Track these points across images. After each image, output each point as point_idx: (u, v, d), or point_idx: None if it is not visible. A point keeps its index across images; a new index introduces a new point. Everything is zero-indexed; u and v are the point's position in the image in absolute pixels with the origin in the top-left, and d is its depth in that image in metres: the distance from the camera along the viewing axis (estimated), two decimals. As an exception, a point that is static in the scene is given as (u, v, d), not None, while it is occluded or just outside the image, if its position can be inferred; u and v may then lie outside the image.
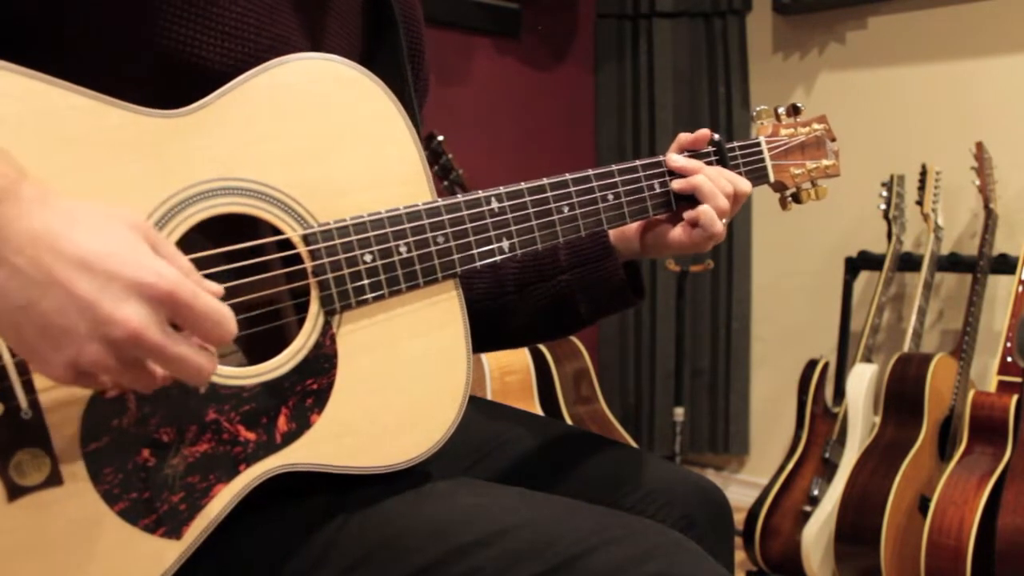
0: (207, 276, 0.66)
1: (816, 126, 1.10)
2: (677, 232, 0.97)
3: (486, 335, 0.97)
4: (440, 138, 2.26)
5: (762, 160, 1.05)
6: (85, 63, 0.72)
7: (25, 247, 0.55)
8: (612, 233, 1.00)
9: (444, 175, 2.27)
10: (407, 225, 0.79)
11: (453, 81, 2.64)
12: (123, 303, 0.55)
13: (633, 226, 1.00)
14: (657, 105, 2.87)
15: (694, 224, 0.96)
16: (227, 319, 0.59)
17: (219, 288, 0.61)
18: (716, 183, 0.96)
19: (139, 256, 0.57)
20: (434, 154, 2.25)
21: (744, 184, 0.98)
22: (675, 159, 0.97)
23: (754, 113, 1.09)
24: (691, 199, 0.97)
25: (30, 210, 0.56)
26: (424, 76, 1.03)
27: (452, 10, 2.59)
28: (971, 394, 2.06)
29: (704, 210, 0.95)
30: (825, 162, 1.10)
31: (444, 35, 2.58)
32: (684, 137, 1.00)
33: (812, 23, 2.74)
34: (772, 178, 1.06)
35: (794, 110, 1.09)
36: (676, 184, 0.96)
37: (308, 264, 0.75)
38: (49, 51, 0.72)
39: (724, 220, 0.97)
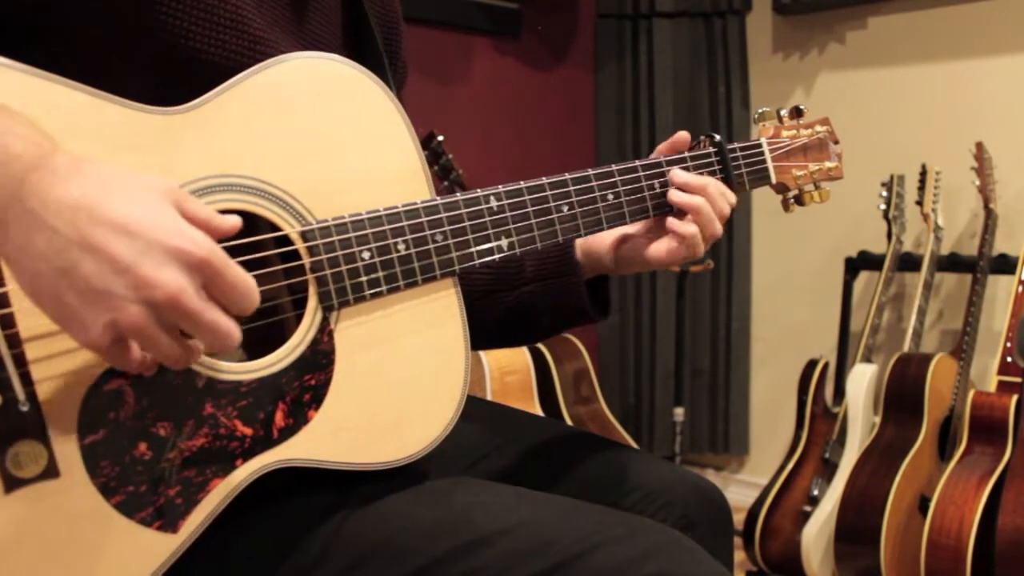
0: None
1: (819, 128, 1.10)
2: (656, 249, 0.96)
3: None
4: (440, 138, 2.26)
5: (763, 162, 1.05)
6: (84, 59, 0.72)
7: (63, 211, 0.56)
8: (580, 249, 0.99)
9: (444, 175, 2.27)
10: (405, 223, 0.79)
11: (453, 81, 2.64)
12: (163, 267, 0.57)
13: (606, 241, 0.99)
14: (657, 105, 2.87)
15: (680, 240, 0.94)
16: (253, 289, 0.61)
17: (235, 219, 0.63)
18: (715, 206, 0.95)
19: (175, 223, 0.58)
20: (434, 154, 2.25)
21: (732, 199, 0.98)
22: (679, 174, 0.96)
23: (756, 115, 1.09)
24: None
25: (66, 177, 0.57)
26: (402, 63, 1.03)
27: (452, 10, 2.59)
28: (971, 394, 2.06)
29: (692, 232, 0.93)
30: (828, 164, 1.10)
31: (444, 35, 2.58)
32: (662, 147, 1.00)
33: (812, 23, 2.74)
34: (774, 179, 1.06)
35: (797, 112, 1.09)
36: (676, 198, 0.95)
37: (306, 261, 0.75)
38: (48, 48, 0.72)
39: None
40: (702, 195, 0.95)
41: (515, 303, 1.00)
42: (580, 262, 0.99)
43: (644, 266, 0.97)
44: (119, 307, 0.56)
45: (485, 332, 1.03)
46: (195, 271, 0.58)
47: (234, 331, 0.60)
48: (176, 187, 0.61)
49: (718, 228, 0.95)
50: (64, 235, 0.56)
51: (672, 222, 0.95)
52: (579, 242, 1.00)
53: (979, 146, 2.27)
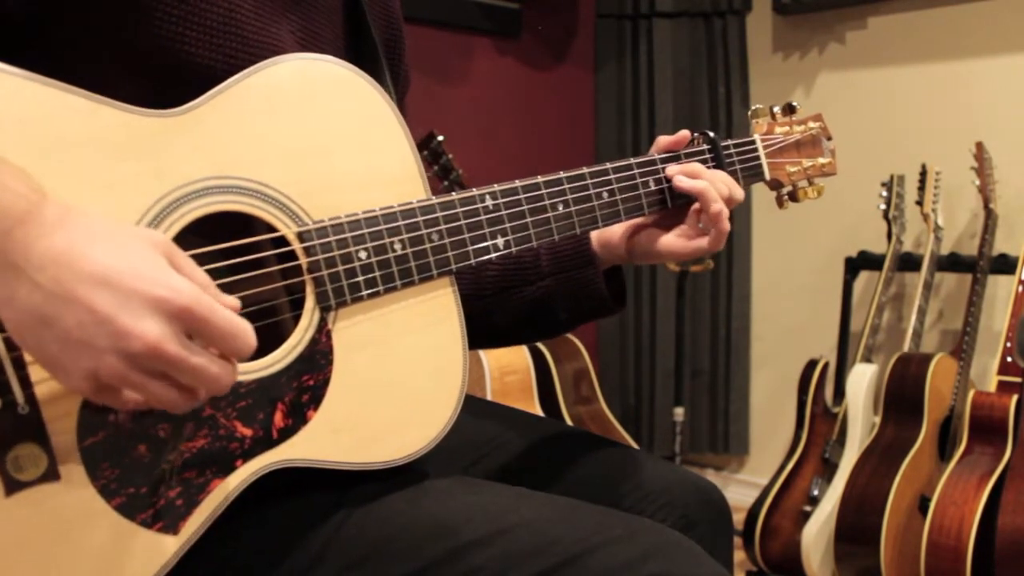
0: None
1: (812, 124, 1.10)
2: (672, 240, 0.96)
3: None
4: (440, 138, 2.25)
5: (757, 158, 1.05)
6: (78, 64, 0.72)
7: (47, 265, 0.57)
8: (595, 240, 0.99)
9: (444, 175, 2.27)
10: (401, 222, 0.79)
11: (453, 81, 2.64)
12: (141, 318, 0.57)
13: (618, 232, 0.99)
14: (657, 105, 2.87)
15: (703, 233, 0.95)
16: (244, 332, 0.61)
17: (235, 302, 0.63)
18: (717, 188, 0.95)
19: (157, 272, 0.59)
20: (434, 154, 2.25)
21: (739, 192, 0.97)
22: (672, 167, 0.96)
23: (750, 112, 1.09)
24: (685, 200, 0.96)
25: (52, 230, 0.58)
26: (404, 70, 1.03)
27: (452, 10, 2.59)
28: (971, 394, 2.06)
29: (719, 227, 0.94)
30: (821, 160, 1.10)
31: (444, 35, 2.58)
32: (664, 140, 0.99)
33: (812, 23, 2.74)
34: (768, 176, 1.06)
35: (789, 109, 1.10)
36: (682, 183, 0.95)
37: (303, 261, 0.75)
38: (42, 52, 0.72)
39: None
40: (702, 176, 0.95)
41: (532, 298, 0.99)
42: (597, 254, 0.99)
43: (660, 258, 0.97)
44: (98, 357, 0.57)
45: (504, 329, 1.03)
46: (176, 320, 0.58)
47: (225, 374, 0.61)
48: (167, 241, 0.62)
49: (724, 209, 0.94)
50: (46, 288, 0.57)
51: (702, 216, 0.95)
52: (594, 233, 0.99)
53: (979, 146, 2.26)
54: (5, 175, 0.59)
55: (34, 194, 0.59)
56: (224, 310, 0.60)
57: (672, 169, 0.96)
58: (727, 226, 0.95)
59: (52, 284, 0.57)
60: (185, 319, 0.59)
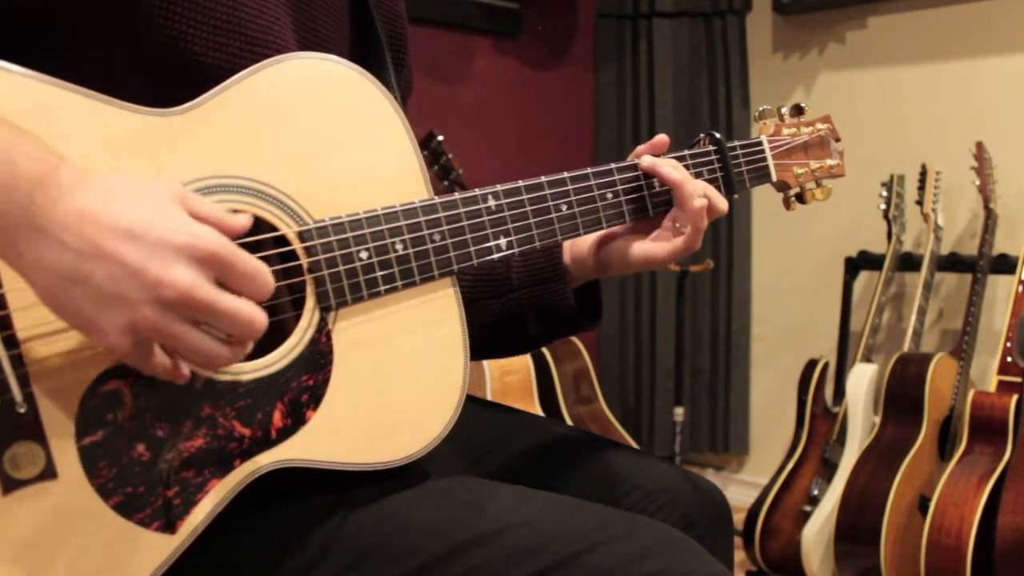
0: None
1: (820, 126, 1.10)
2: (648, 246, 0.94)
3: None
4: (440, 138, 2.25)
5: (764, 159, 1.04)
6: (82, 62, 0.72)
7: (71, 224, 0.58)
8: (568, 254, 0.98)
9: (444, 175, 2.27)
10: (403, 223, 0.79)
11: (453, 81, 2.64)
12: (171, 266, 0.59)
13: (586, 246, 0.97)
14: (657, 105, 2.87)
15: (679, 232, 0.93)
16: (264, 272, 0.63)
17: (247, 219, 0.65)
18: (695, 185, 0.93)
19: (179, 221, 0.60)
20: (434, 154, 2.25)
21: (722, 203, 0.95)
22: (647, 159, 0.94)
23: (757, 113, 1.08)
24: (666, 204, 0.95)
25: (71, 190, 0.59)
26: (407, 73, 1.03)
27: (452, 10, 2.59)
28: (971, 394, 2.06)
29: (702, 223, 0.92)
30: (829, 162, 1.09)
31: (444, 35, 2.58)
32: (641, 149, 0.97)
33: (812, 23, 2.74)
34: (774, 177, 1.05)
35: (797, 110, 1.09)
36: (663, 170, 0.92)
37: (304, 261, 0.75)
38: (46, 50, 0.72)
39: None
40: (678, 169, 0.93)
41: (502, 310, 0.99)
42: (568, 268, 0.97)
43: (631, 267, 0.95)
44: (134, 309, 0.58)
45: (475, 341, 1.02)
46: (204, 265, 0.60)
47: (257, 314, 0.62)
48: (182, 187, 0.63)
49: (701, 203, 0.92)
50: (73, 248, 0.58)
51: (677, 214, 0.92)
52: (566, 247, 0.98)
53: (979, 146, 2.26)
54: (22, 141, 0.60)
55: (51, 156, 0.60)
56: (245, 254, 0.62)
57: (644, 162, 0.94)
58: (704, 223, 0.93)
59: (79, 242, 0.58)
60: (212, 263, 0.60)
